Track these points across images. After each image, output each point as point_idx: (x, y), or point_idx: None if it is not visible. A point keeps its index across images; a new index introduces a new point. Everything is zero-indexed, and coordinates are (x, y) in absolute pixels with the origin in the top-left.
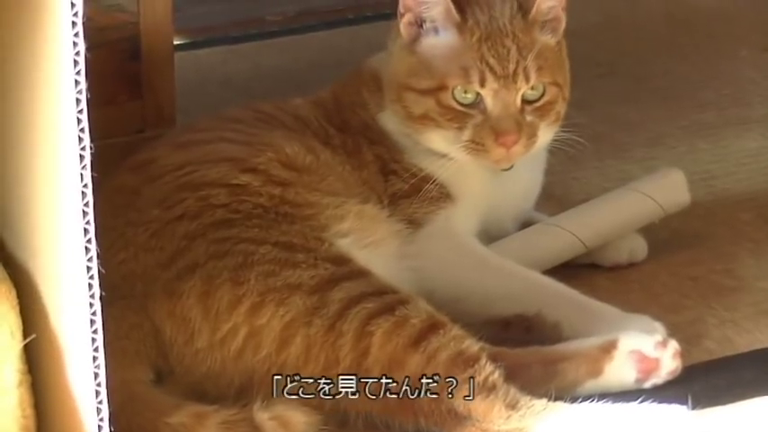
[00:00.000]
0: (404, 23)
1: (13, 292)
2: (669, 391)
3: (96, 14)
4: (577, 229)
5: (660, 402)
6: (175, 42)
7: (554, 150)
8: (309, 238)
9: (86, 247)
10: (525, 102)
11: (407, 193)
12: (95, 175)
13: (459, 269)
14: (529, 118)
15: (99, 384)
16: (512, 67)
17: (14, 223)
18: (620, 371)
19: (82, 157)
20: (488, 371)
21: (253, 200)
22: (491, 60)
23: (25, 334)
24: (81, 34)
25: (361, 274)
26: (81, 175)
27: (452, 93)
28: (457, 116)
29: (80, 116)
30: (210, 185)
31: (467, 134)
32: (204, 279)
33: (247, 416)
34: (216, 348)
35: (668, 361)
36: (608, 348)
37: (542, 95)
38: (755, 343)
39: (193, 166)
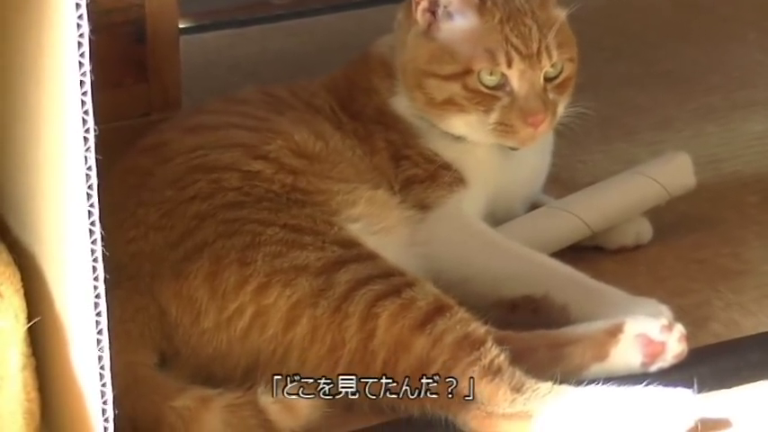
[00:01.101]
0: (420, 11)
1: (18, 276)
2: (675, 375)
3: None
4: (583, 213)
5: (666, 386)
6: (181, 26)
7: (560, 132)
8: (319, 222)
9: (90, 230)
10: (546, 80)
11: (421, 178)
12: (100, 158)
13: (467, 250)
14: (551, 95)
15: (103, 367)
16: (535, 46)
17: (19, 207)
18: (625, 355)
19: (86, 139)
20: (494, 353)
21: (265, 185)
22: (515, 41)
23: (30, 317)
24: (85, 16)
25: (369, 256)
26: (85, 157)
27: (478, 76)
28: (484, 99)
29: (84, 98)
30: (223, 169)
31: (494, 116)
32: (212, 259)
33: (252, 399)
34: (222, 328)
35: (674, 344)
36: (614, 332)
37: (561, 72)
38: (761, 326)
39: (205, 150)
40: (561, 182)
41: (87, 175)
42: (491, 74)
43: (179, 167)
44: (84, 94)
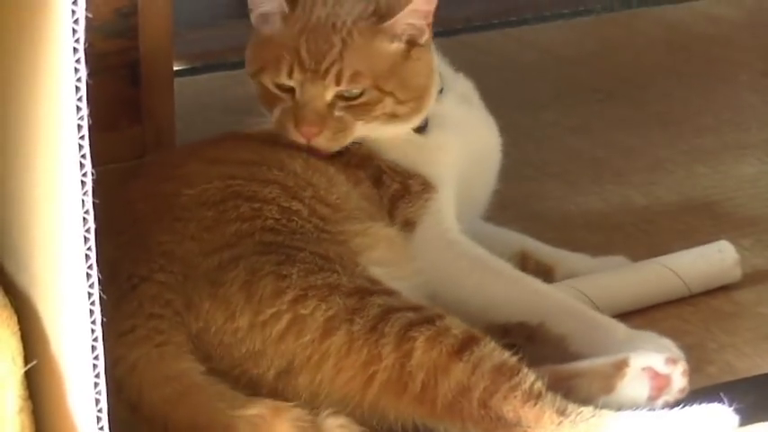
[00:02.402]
0: (253, 17)
1: (14, 318)
2: None
3: (96, 40)
4: (599, 296)
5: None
6: (175, 68)
7: (553, 173)
8: (346, 259)
9: (88, 274)
10: (341, 97)
11: (401, 192)
12: (96, 201)
13: (456, 272)
14: (338, 113)
15: (100, 410)
16: (325, 64)
17: (15, 249)
18: (632, 388)
19: (83, 183)
20: (532, 378)
21: (300, 222)
22: (303, 54)
23: (26, 360)
24: (82, 61)
25: (394, 293)
26: (83, 201)
27: (270, 77)
28: (270, 97)
29: (81, 142)
30: (263, 201)
31: (276, 114)
32: (248, 270)
33: (315, 421)
34: (257, 329)
35: (678, 378)
36: (620, 366)
37: (360, 95)
38: (755, 368)
39: (243, 180)
40: (554, 223)
41: (84, 218)
42: (278, 78)
43: (215, 192)
44: (82, 138)
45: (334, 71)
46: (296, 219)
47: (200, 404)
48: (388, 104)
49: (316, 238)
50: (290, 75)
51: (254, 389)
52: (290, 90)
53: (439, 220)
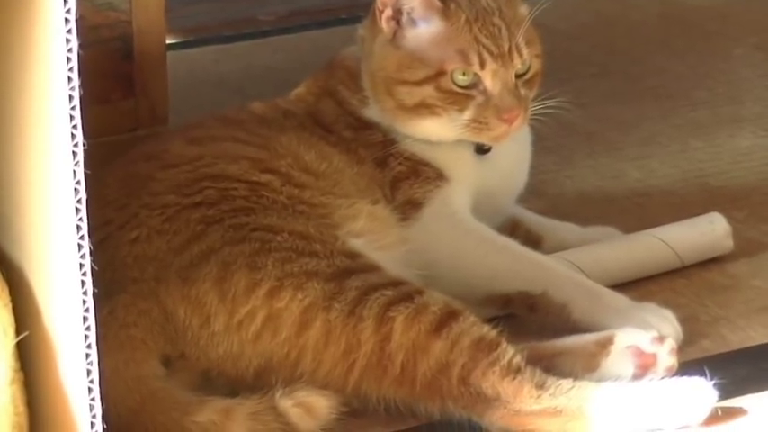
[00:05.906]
0: (384, 19)
1: (6, 290)
2: None
3: (89, 13)
4: (591, 268)
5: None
6: (168, 42)
7: (548, 148)
8: (324, 234)
9: (79, 244)
10: (516, 77)
11: (406, 174)
12: (88, 172)
13: (463, 246)
14: (523, 91)
15: (92, 381)
16: (506, 45)
17: (7, 220)
18: (616, 366)
19: (75, 153)
20: (511, 353)
21: (272, 196)
22: (485, 41)
23: (18, 331)
24: (74, 31)
25: (374, 267)
26: (74, 171)
27: (451, 76)
28: (457, 99)
29: (73, 113)
30: (230, 179)
31: (468, 114)
32: (220, 265)
33: (271, 404)
34: (233, 331)
35: (665, 357)
36: (604, 343)
37: (529, 68)
38: (748, 340)
39: (211, 158)
40: (548, 197)
41: (76, 189)
42: (464, 74)
43: (183, 175)
44: (73, 108)
45: (514, 49)
46: (266, 193)
47: (156, 414)
48: (541, 70)
49: (292, 213)
50: (482, 66)
51: (233, 386)
52: (471, 86)
53: (447, 203)
